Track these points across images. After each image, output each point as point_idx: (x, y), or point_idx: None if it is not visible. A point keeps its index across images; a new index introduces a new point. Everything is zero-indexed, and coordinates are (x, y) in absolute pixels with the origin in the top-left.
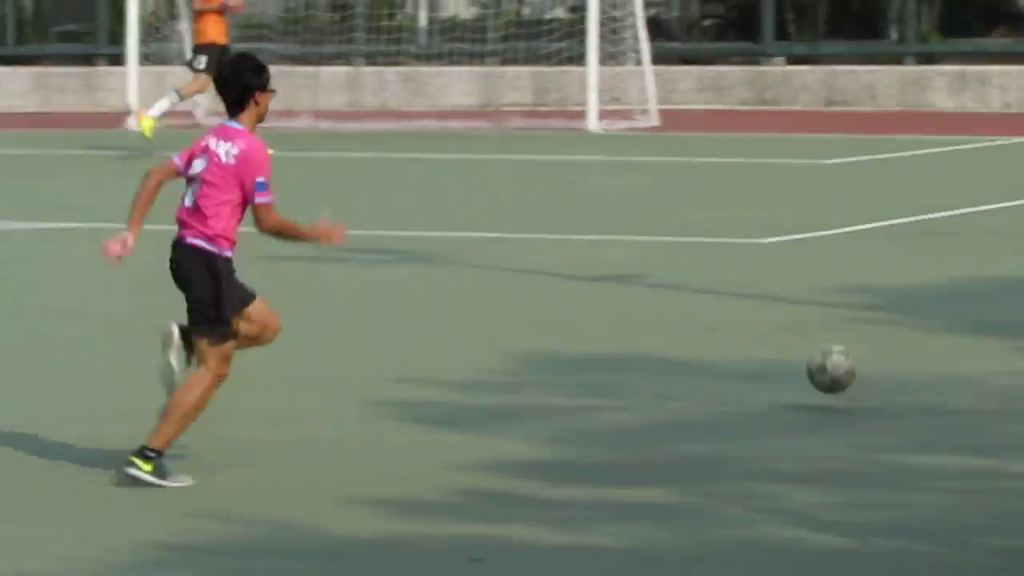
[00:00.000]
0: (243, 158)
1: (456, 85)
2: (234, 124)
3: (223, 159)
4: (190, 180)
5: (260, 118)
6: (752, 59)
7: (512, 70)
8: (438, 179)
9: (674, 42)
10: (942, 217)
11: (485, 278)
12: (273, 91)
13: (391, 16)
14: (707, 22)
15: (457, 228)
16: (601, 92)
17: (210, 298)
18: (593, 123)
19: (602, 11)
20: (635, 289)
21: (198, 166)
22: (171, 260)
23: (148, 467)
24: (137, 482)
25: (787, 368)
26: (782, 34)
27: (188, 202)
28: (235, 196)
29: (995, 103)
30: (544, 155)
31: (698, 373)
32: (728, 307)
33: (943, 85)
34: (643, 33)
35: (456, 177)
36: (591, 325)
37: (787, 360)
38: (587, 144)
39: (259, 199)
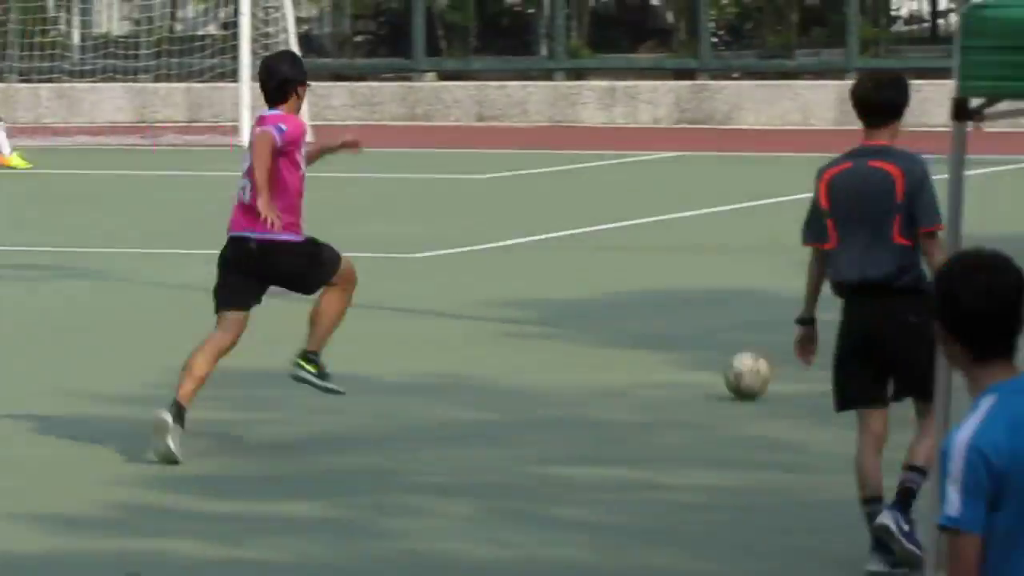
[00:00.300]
0: (290, 134)
1: (110, 101)
2: (275, 111)
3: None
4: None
5: (297, 109)
6: (404, 75)
7: (165, 86)
8: (92, 195)
9: (326, 58)
10: (593, 231)
11: (141, 293)
12: (308, 84)
13: (44, 33)
14: (359, 38)
15: (111, 244)
16: (254, 108)
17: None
18: (246, 139)
19: (254, 27)
20: (290, 304)
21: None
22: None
23: (312, 368)
24: (304, 382)
25: (442, 381)
26: (433, 50)
27: (247, 198)
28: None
29: (644, 118)
30: (197, 170)
31: (355, 386)
32: (383, 321)
33: (593, 100)
34: (296, 49)
35: (111, 193)
36: (247, 339)
37: (442, 373)
38: (240, 159)
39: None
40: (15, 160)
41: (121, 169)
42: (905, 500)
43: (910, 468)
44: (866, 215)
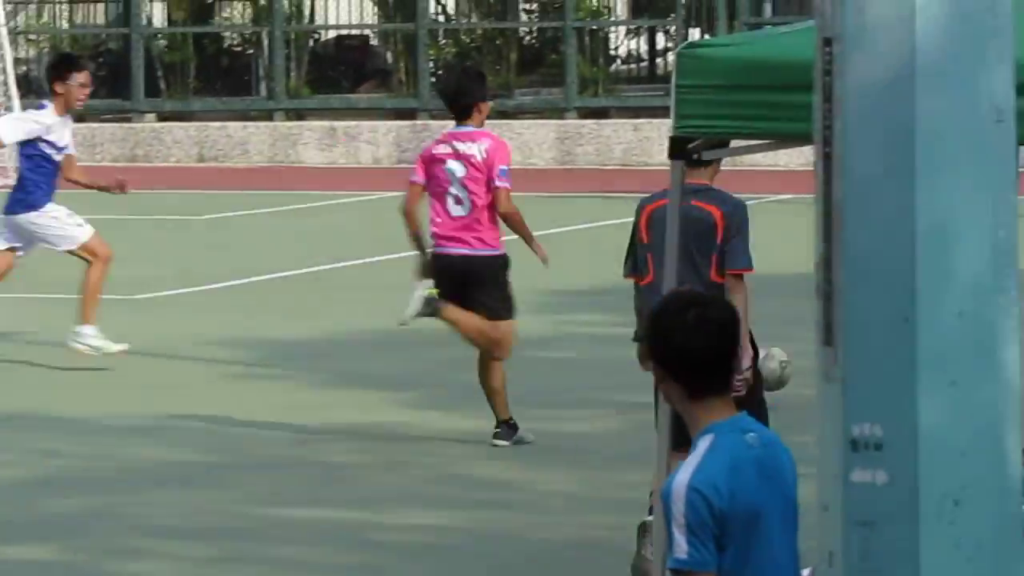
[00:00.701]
0: (494, 150)
1: None
2: (467, 127)
3: (479, 157)
4: (440, 191)
5: (482, 123)
6: (124, 116)
7: None
8: None
9: (46, 99)
10: (315, 271)
11: None
12: (491, 99)
13: None
14: None
15: None
16: None
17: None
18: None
19: None
20: (13, 346)
21: (458, 171)
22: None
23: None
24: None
25: (165, 423)
26: (153, 91)
27: (460, 211)
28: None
29: (365, 158)
30: None
31: (75, 428)
32: (108, 363)
33: (313, 140)
34: (14, 90)
35: None
36: None
37: (165, 415)
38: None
39: (499, 183)
40: None
41: None
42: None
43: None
44: (685, 252)
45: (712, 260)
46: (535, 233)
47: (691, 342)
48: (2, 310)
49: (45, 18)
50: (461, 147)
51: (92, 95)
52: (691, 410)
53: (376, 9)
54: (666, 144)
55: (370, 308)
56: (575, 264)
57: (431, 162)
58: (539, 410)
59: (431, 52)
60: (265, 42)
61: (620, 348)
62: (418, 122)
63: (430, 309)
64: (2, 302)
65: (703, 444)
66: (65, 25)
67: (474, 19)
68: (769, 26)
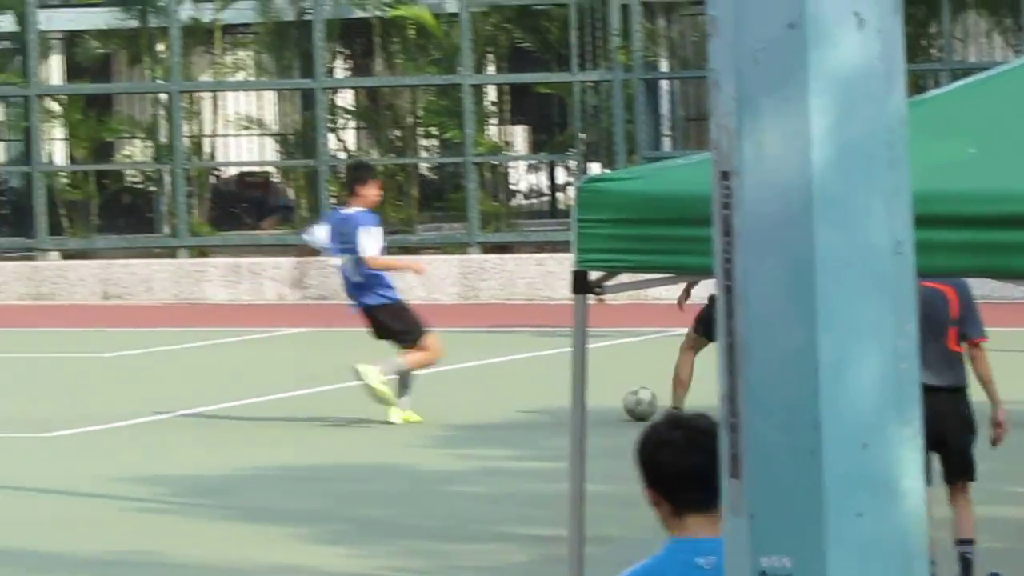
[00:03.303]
0: None
1: None
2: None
3: None
4: None
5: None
6: (27, 254)
7: None
8: None
9: None
10: (221, 407)
11: None
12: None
13: None
14: None
15: None
16: None
17: None
18: None
19: None
20: None
21: None
22: None
23: None
24: None
25: (68, 561)
26: (56, 229)
27: None
28: None
29: (269, 294)
30: None
31: None
32: (15, 502)
33: (217, 277)
34: None
35: None
36: None
37: (69, 553)
38: None
39: None
40: None
41: None
42: (967, 570)
43: (961, 542)
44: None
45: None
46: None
47: (681, 462)
48: None
49: None
50: None
51: None
52: (669, 525)
53: (277, 146)
54: (569, 278)
55: (274, 442)
56: (479, 399)
57: None
58: (450, 544)
59: (332, 188)
60: (166, 179)
61: (526, 481)
62: (321, 258)
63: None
64: None
65: (655, 554)
66: None
67: (374, 155)
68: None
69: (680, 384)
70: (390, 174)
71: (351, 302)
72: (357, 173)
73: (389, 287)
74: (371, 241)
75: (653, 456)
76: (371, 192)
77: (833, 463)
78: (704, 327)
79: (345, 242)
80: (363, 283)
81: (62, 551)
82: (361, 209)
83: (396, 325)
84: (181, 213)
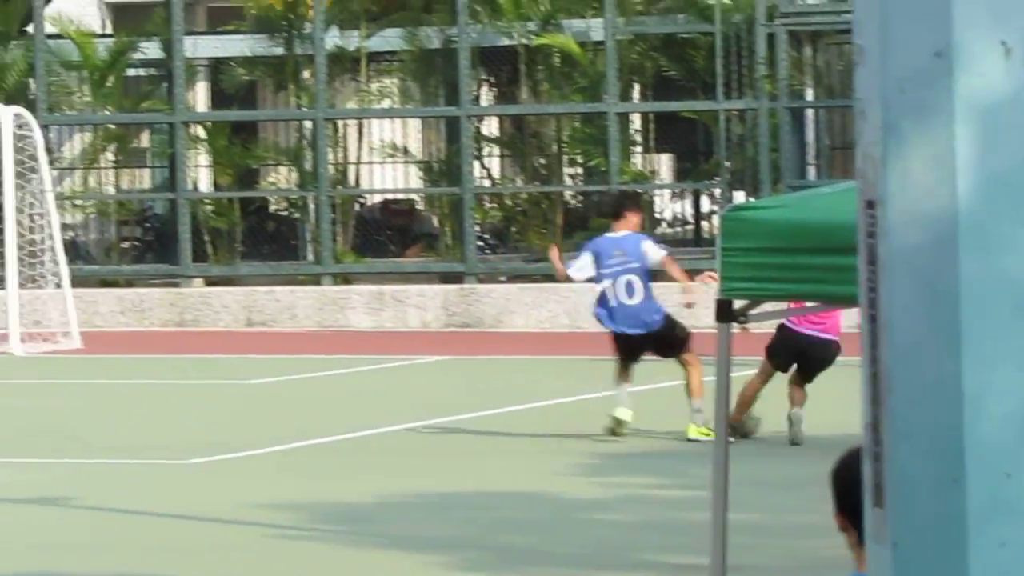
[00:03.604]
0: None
1: None
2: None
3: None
4: None
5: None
6: (172, 281)
7: None
8: None
9: (93, 265)
10: (363, 435)
11: None
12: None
13: None
14: (125, 245)
15: None
16: (22, 315)
17: None
18: (15, 346)
19: (19, 235)
20: (62, 511)
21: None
22: None
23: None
24: None
25: None
26: (200, 256)
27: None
28: None
29: (413, 322)
30: None
31: None
32: (157, 529)
33: (361, 304)
34: (61, 256)
35: None
36: (14, 547)
37: None
38: (9, 367)
39: None
40: None
41: None
42: None
43: None
44: None
45: None
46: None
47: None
48: (48, 474)
49: (91, 183)
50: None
51: (139, 260)
52: (855, 554)
53: (421, 173)
54: (712, 307)
55: (416, 470)
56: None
57: None
58: (591, 572)
59: (476, 216)
60: (311, 207)
61: (669, 510)
62: (465, 286)
63: None
64: (60, 467)
65: None
66: (111, 190)
67: (519, 183)
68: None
69: (743, 403)
70: (535, 202)
71: (619, 331)
72: (626, 200)
73: (660, 308)
74: (656, 248)
75: (848, 482)
76: (636, 219)
77: (976, 492)
78: (775, 358)
79: (621, 263)
80: (637, 306)
81: None
82: (629, 232)
83: (672, 342)
84: (325, 240)
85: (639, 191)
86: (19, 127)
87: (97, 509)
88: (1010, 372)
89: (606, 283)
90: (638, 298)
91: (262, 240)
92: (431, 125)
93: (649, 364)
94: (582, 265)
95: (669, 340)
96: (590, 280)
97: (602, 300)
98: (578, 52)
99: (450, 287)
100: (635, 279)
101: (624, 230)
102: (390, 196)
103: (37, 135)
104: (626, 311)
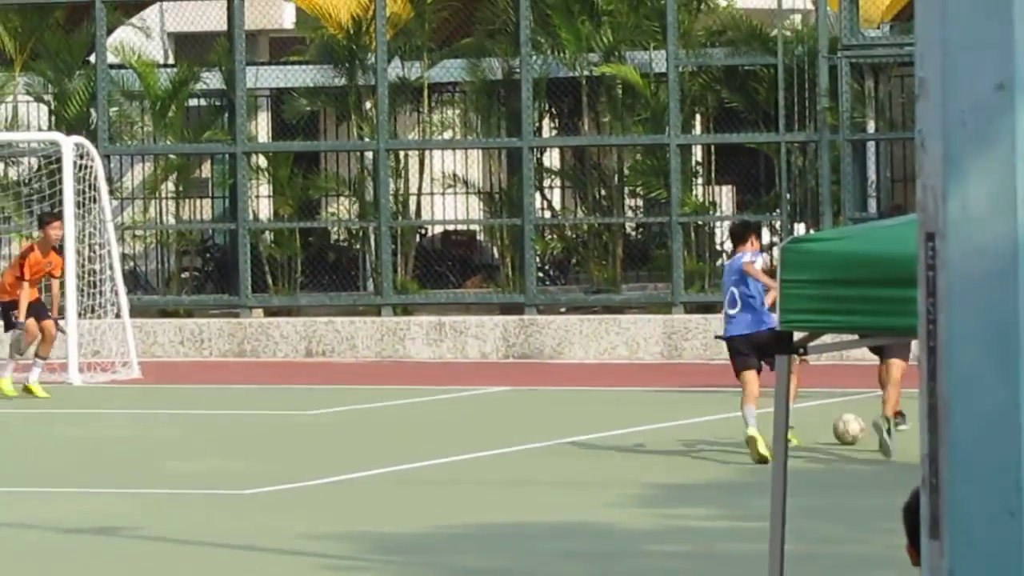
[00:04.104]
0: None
1: None
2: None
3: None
4: None
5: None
6: (231, 311)
7: None
8: None
9: (153, 295)
10: (423, 466)
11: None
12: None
13: None
14: (185, 275)
15: None
16: (81, 345)
17: None
18: (75, 375)
19: (79, 264)
20: (126, 541)
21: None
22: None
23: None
24: None
25: None
26: (260, 286)
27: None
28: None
29: (472, 353)
30: (27, 408)
31: None
32: (216, 559)
33: (420, 335)
34: (121, 286)
35: None
36: None
37: None
38: (69, 396)
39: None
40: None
41: None
42: None
43: None
44: None
45: None
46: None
47: None
48: (111, 504)
49: (151, 213)
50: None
51: (199, 289)
52: None
53: (482, 204)
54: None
55: (475, 501)
56: (680, 458)
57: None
58: None
59: (537, 247)
60: (372, 237)
61: (727, 541)
62: (525, 317)
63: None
64: (122, 497)
65: None
66: (171, 220)
67: (580, 214)
68: (874, 221)
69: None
70: (595, 233)
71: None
72: (748, 228)
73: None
74: (742, 258)
75: (918, 517)
76: (755, 244)
77: None
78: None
79: (729, 278)
80: (738, 314)
81: None
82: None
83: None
84: (386, 271)
85: (750, 220)
86: (80, 156)
87: (158, 540)
88: None
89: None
90: (737, 308)
91: (322, 270)
92: (492, 156)
93: (703, 395)
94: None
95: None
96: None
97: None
98: (640, 83)
99: (510, 318)
100: (735, 290)
101: (746, 250)
102: (451, 227)
103: (98, 164)
104: (731, 320)
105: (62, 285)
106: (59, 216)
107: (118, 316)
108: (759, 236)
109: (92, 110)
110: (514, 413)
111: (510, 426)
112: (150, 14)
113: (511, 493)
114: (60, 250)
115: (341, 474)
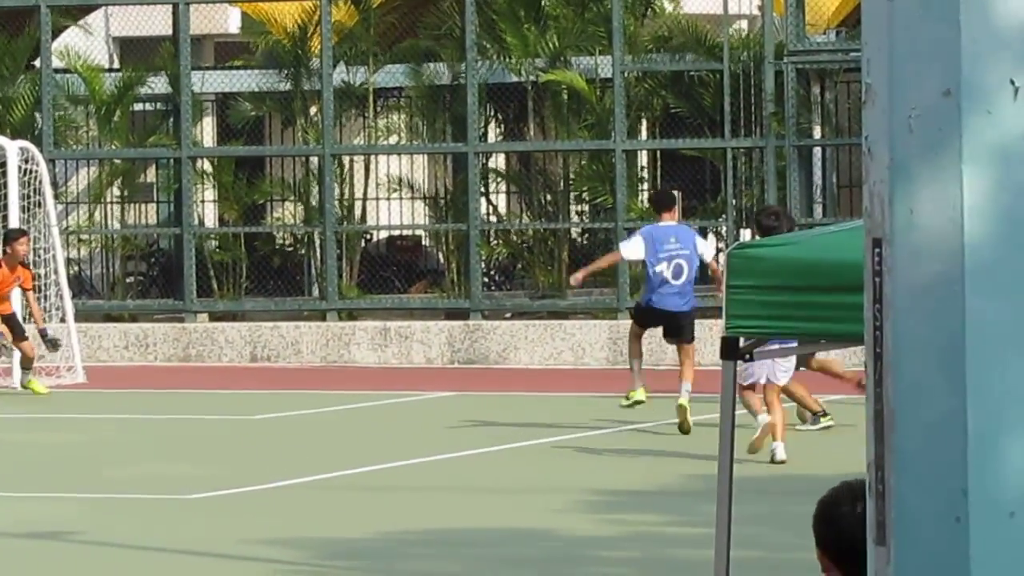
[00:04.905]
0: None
1: None
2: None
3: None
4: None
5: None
6: (176, 316)
7: None
8: None
9: (98, 299)
10: (367, 471)
11: None
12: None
13: None
14: (130, 279)
15: None
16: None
17: None
18: (18, 380)
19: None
20: (63, 546)
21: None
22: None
23: None
24: None
25: None
26: (205, 291)
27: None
28: None
29: (417, 358)
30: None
31: None
32: (155, 564)
33: (366, 340)
34: (66, 291)
35: None
36: None
37: None
38: (13, 401)
39: None
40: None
41: None
42: None
43: None
44: None
45: None
46: None
47: (858, 534)
48: (51, 508)
49: (97, 217)
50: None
51: (144, 294)
52: None
53: (427, 209)
54: (717, 344)
55: (419, 506)
56: (627, 463)
57: None
58: None
59: (482, 252)
60: (317, 242)
61: (676, 547)
62: (471, 322)
63: None
64: (62, 501)
65: None
66: (116, 225)
67: (525, 219)
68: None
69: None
70: (541, 239)
71: (658, 305)
72: (666, 199)
73: (693, 297)
74: (708, 247)
75: (829, 523)
76: (675, 215)
77: (980, 531)
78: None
79: (673, 249)
80: (681, 290)
81: None
82: (678, 224)
83: (690, 329)
84: (331, 276)
85: (672, 192)
86: (25, 161)
87: (99, 544)
88: (1016, 412)
89: (661, 265)
90: (683, 280)
91: (267, 275)
92: (438, 161)
93: (649, 400)
94: (635, 248)
95: (685, 328)
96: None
97: (649, 281)
98: (586, 89)
99: (455, 323)
100: (684, 264)
101: (672, 221)
102: (396, 232)
103: (43, 169)
104: (672, 289)
105: (35, 293)
106: (25, 232)
107: (63, 320)
108: (675, 207)
109: (37, 114)
110: (460, 418)
111: (456, 431)
112: (95, 18)
113: (457, 498)
114: (27, 264)
115: (285, 479)
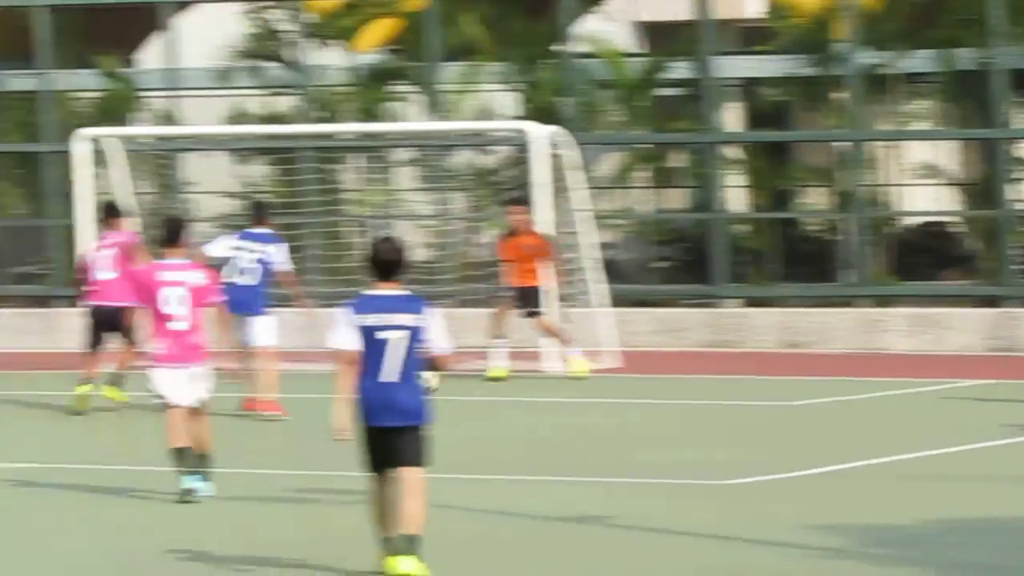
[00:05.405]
0: None
1: None
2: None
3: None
4: None
5: None
6: (706, 302)
7: (469, 312)
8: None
9: (628, 284)
10: (908, 459)
11: (455, 518)
12: None
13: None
14: (660, 264)
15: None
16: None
17: None
18: (554, 364)
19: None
20: (601, 530)
21: None
22: None
23: None
24: None
25: None
26: (737, 276)
27: None
28: None
29: (953, 345)
30: (506, 396)
31: None
32: (696, 549)
33: (898, 327)
34: (599, 275)
35: None
36: (557, 567)
37: None
38: (548, 385)
39: None
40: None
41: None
42: None
43: None
44: None
45: None
46: None
47: None
48: (587, 492)
49: (623, 202)
50: None
51: (673, 280)
52: None
53: (959, 195)
54: None
55: (968, 495)
56: None
57: None
58: None
59: (1012, 239)
60: (846, 228)
61: None
62: (1004, 309)
63: None
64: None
65: None
66: (646, 209)
67: None
68: None
69: None
70: None
71: None
72: None
73: None
74: None
75: None
76: None
77: None
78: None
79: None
80: None
81: None
82: None
83: None
84: (863, 262)
85: None
86: (553, 145)
87: (635, 528)
88: None
89: None
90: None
91: (798, 261)
92: (969, 146)
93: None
94: None
95: None
96: None
97: None
98: None
99: (988, 311)
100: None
101: None
102: (928, 218)
103: (575, 154)
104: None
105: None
106: (517, 202)
107: (594, 305)
108: None
109: (557, 99)
110: (997, 407)
111: (990, 420)
112: (619, 3)
113: (998, 488)
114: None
115: (826, 465)
